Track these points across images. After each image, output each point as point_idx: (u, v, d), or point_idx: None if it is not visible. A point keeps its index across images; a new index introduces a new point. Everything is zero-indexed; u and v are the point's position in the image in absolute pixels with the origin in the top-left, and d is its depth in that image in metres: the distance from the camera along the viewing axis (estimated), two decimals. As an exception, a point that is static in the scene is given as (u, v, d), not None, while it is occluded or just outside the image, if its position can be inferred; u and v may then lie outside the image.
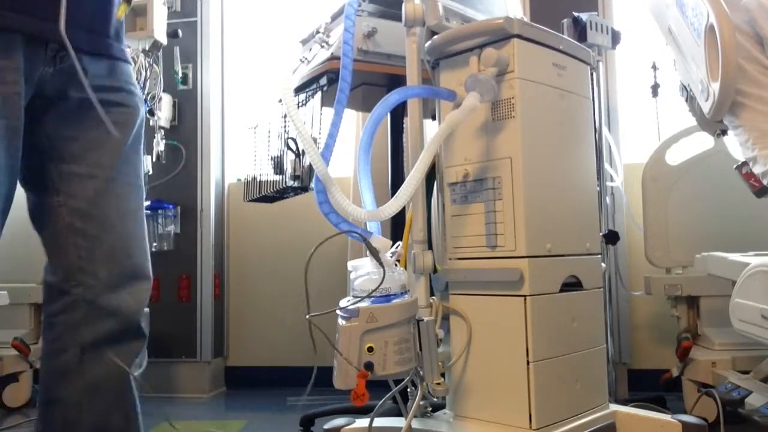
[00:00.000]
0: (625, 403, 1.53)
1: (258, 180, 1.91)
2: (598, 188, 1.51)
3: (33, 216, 1.06)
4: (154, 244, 2.64)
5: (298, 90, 1.76)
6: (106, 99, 1.03)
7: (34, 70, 0.95)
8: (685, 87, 1.80)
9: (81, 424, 1.03)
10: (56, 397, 1.04)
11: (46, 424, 1.05)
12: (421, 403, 1.17)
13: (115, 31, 1.09)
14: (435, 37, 1.22)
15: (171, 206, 2.71)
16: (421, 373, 1.09)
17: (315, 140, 1.61)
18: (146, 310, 2.58)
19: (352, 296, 1.02)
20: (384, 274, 0.99)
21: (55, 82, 0.99)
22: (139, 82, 1.93)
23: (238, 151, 2.94)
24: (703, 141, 2.16)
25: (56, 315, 1.05)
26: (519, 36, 1.14)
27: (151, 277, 1.11)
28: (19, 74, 0.92)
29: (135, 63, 2.30)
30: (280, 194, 1.87)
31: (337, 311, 1.00)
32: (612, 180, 2.29)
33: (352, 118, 2.59)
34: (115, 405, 1.07)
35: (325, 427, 1.30)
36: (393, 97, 1.10)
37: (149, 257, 1.12)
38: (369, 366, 0.97)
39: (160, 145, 2.61)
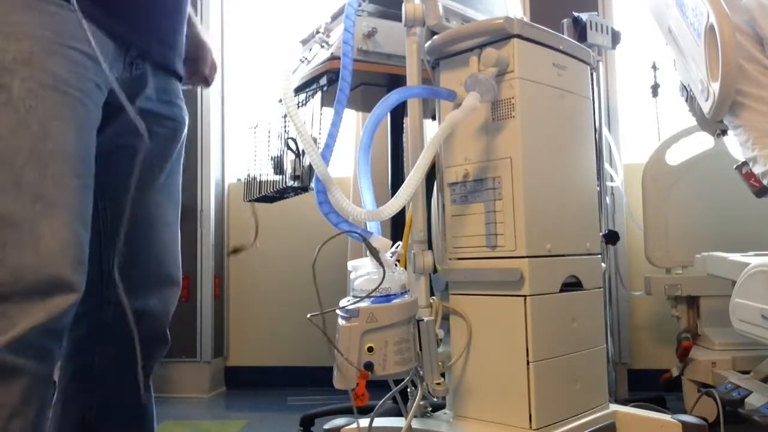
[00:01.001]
0: (625, 403, 1.53)
1: (258, 180, 1.91)
2: (598, 188, 1.51)
3: None
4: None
5: (298, 90, 1.76)
6: (158, 111, 1.05)
7: (114, 73, 0.95)
8: (685, 87, 1.80)
9: (97, 425, 1.04)
10: (75, 397, 1.05)
11: (63, 423, 1.05)
12: (421, 403, 1.17)
13: (180, 47, 1.10)
14: (435, 37, 1.22)
15: (171, 206, 2.71)
16: (421, 373, 1.09)
17: (315, 140, 1.61)
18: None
19: (352, 296, 1.02)
20: (384, 274, 0.99)
21: (126, 89, 0.96)
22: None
23: (238, 151, 2.94)
24: (703, 141, 2.17)
25: (83, 315, 1.02)
26: (519, 36, 1.14)
27: (181, 283, 1.13)
28: (103, 75, 0.91)
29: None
30: (280, 194, 1.87)
31: (337, 311, 1.00)
32: (612, 180, 2.29)
33: (352, 118, 2.59)
34: (134, 404, 1.08)
35: (325, 427, 1.30)
36: (393, 97, 1.10)
37: (180, 264, 1.13)
38: (369, 366, 0.97)
39: (160, 145, 2.61)
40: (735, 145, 1.65)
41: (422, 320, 1.08)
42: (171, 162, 1.10)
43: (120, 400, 1.07)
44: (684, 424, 1.21)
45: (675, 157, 2.21)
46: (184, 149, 1.15)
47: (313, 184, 1.07)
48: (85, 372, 1.05)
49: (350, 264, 1.06)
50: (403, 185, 1.03)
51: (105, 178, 0.98)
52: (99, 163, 0.95)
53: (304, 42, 1.80)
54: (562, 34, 1.69)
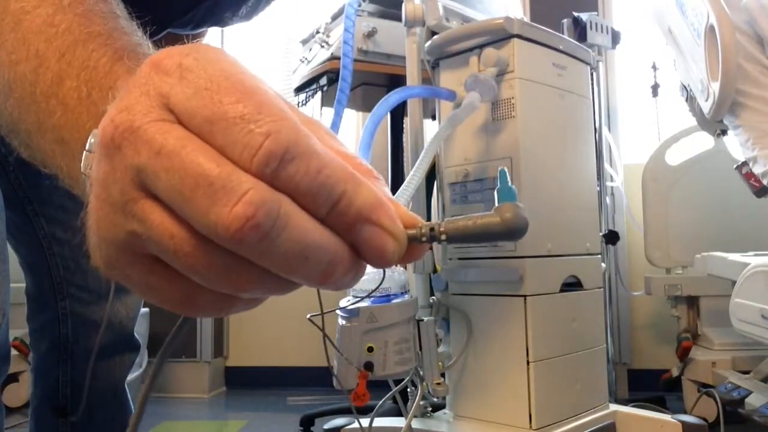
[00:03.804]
0: (625, 403, 1.53)
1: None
2: (598, 188, 1.51)
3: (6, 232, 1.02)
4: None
5: (298, 90, 1.76)
6: None
7: None
8: (685, 87, 1.80)
9: None
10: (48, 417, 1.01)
11: None
12: (421, 403, 1.17)
13: None
14: (435, 37, 1.22)
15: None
16: (421, 373, 1.09)
17: (315, 140, 1.60)
18: (146, 310, 2.58)
19: (352, 296, 1.02)
20: (384, 274, 0.99)
21: None
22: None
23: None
24: (703, 141, 2.17)
25: (43, 330, 1.00)
26: (519, 36, 1.14)
27: None
28: None
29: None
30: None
31: (337, 311, 1.00)
32: (612, 180, 2.29)
33: (352, 118, 2.59)
34: (111, 419, 1.04)
35: (325, 427, 1.30)
36: (393, 97, 1.10)
37: None
38: (369, 366, 0.97)
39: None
40: (735, 145, 1.65)
41: (422, 320, 1.08)
42: None
43: (96, 414, 1.02)
44: (684, 424, 1.21)
45: (675, 157, 2.21)
46: None
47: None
48: (53, 390, 1.00)
49: (350, 264, 1.06)
50: (403, 185, 1.03)
51: (21, 178, 0.93)
52: (9, 165, 0.91)
53: (304, 42, 1.80)
54: (562, 34, 1.69)
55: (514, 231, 0.30)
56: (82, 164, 0.31)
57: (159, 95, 0.27)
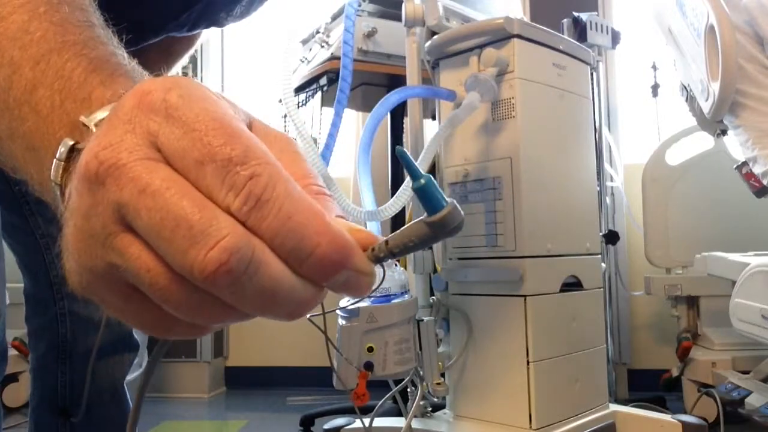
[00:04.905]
0: (625, 403, 1.53)
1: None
2: (598, 188, 1.51)
3: (4, 232, 0.99)
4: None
5: (298, 90, 1.76)
6: None
7: None
8: (685, 87, 1.80)
9: None
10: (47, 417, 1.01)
11: None
12: (421, 403, 1.17)
13: None
14: (435, 37, 1.22)
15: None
16: (421, 373, 1.09)
17: (315, 140, 1.61)
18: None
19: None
20: (384, 274, 0.99)
21: None
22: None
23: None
24: (703, 141, 2.17)
25: (41, 330, 1.00)
26: (519, 36, 1.14)
27: None
28: None
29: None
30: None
31: (337, 311, 1.00)
32: (612, 180, 2.29)
33: (352, 118, 2.59)
34: (110, 419, 1.04)
35: (325, 427, 1.30)
36: (393, 97, 1.10)
37: None
38: (369, 366, 0.97)
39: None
40: (735, 145, 1.65)
41: (422, 320, 1.08)
42: None
43: (96, 413, 1.02)
44: (684, 424, 1.21)
45: (675, 157, 2.21)
46: None
47: (313, 184, 1.07)
48: (52, 390, 1.00)
49: (350, 264, 1.06)
50: (403, 185, 1.03)
51: (29, 191, 0.94)
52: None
53: (304, 42, 1.80)
54: (562, 34, 1.69)
55: (448, 227, 0.30)
56: (51, 173, 0.32)
57: (146, 133, 0.28)
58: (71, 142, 0.32)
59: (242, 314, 0.29)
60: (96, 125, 0.31)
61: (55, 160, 0.32)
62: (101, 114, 0.32)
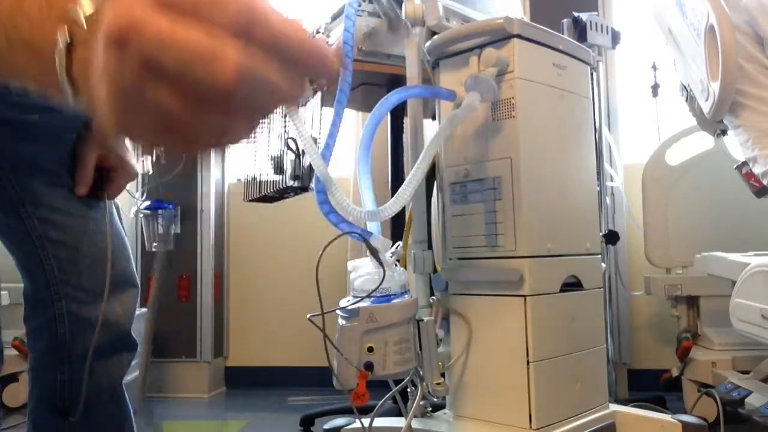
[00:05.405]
0: (625, 403, 1.53)
1: (258, 180, 1.91)
2: (598, 188, 1.51)
3: (0, 234, 1.00)
4: (154, 244, 2.64)
5: (298, 90, 1.76)
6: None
7: None
8: (685, 87, 1.80)
9: None
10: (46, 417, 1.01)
11: None
12: (421, 403, 1.17)
13: None
14: (435, 37, 1.22)
15: (171, 206, 2.71)
16: (421, 373, 1.09)
17: (315, 140, 1.61)
18: (143, 310, 2.58)
19: (352, 296, 1.02)
20: (384, 274, 0.99)
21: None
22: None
23: (238, 151, 2.94)
24: (703, 141, 2.17)
25: (40, 330, 1.00)
26: (519, 36, 1.14)
27: (139, 285, 1.07)
28: None
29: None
30: (280, 194, 1.87)
31: (337, 311, 1.00)
32: (612, 180, 2.29)
33: (352, 118, 2.59)
34: (109, 419, 1.04)
35: (325, 427, 1.30)
36: (393, 97, 1.10)
37: (133, 263, 1.07)
38: (369, 366, 0.97)
39: (160, 145, 2.61)
40: (735, 145, 1.65)
41: (422, 320, 1.08)
42: None
43: (94, 413, 1.02)
44: (684, 424, 1.21)
45: (675, 157, 2.22)
46: None
47: (313, 184, 1.07)
48: (51, 390, 1.00)
49: (350, 264, 1.06)
50: (403, 185, 1.03)
51: (14, 180, 0.94)
52: (21, 185, 0.91)
53: (304, 42, 1.80)
54: (562, 34, 1.69)
55: None
56: (56, 63, 0.38)
57: None
58: (67, 35, 0.37)
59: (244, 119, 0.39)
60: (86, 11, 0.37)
61: (56, 50, 0.37)
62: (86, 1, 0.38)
